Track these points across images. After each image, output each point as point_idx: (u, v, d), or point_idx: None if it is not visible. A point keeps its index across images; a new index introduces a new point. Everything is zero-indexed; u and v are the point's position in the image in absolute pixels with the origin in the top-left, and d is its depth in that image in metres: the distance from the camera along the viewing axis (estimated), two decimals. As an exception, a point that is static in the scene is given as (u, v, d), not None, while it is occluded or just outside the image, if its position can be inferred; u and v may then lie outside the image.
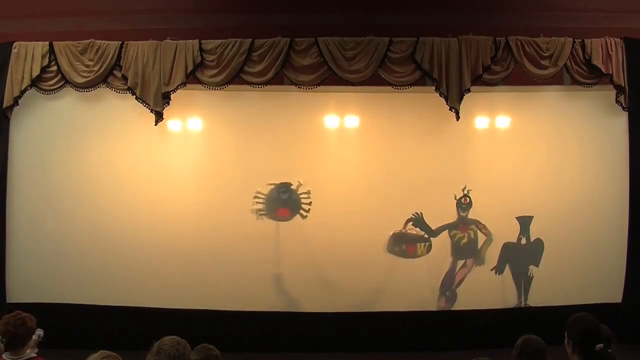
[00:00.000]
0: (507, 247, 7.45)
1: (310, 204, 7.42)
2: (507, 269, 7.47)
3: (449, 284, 7.46)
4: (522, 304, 7.43)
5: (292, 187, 7.46)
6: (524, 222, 7.43)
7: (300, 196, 7.45)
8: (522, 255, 7.46)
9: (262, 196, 7.43)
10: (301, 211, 7.43)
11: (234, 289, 7.32)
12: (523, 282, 7.45)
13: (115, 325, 7.06)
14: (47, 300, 7.17)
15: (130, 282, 7.31)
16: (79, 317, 7.15)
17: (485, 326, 7.14)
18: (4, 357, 3.93)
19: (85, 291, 7.30)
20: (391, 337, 7.30)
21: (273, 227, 7.39)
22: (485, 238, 7.47)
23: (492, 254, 7.46)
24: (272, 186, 7.45)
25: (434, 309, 7.46)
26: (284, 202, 7.45)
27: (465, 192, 7.43)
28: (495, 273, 7.45)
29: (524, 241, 7.47)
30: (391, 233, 7.43)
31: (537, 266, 7.43)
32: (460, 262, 7.49)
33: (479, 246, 7.47)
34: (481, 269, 7.47)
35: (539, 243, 7.45)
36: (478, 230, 7.47)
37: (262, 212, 7.42)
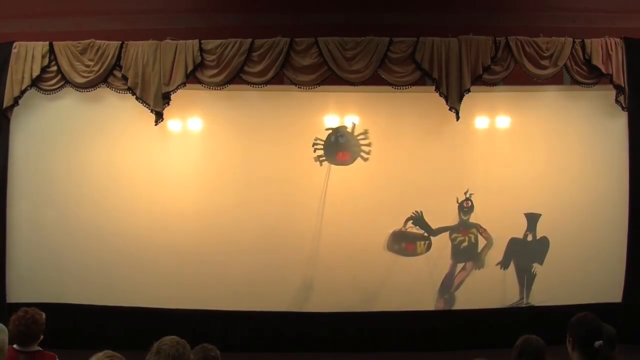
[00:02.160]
0: (513, 242, 7.45)
1: (369, 144, 7.38)
2: (511, 267, 7.47)
3: (448, 286, 7.45)
4: (524, 302, 7.43)
5: (347, 129, 7.44)
6: (532, 219, 7.42)
7: (358, 138, 7.43)
8: (527, 251, 7.46)
9: (321, 142, 7.41)
10: (362, 153, 7.41)
11: (234, 289, 7.32)
12: (526, 279, 7.44)
13: (115, 325, 7.06)
14: (47, 300, 7.13)
15: (130, 282, 7.30)
16: (79, 317, 7.16)
17: (485, 326, 7.15)
18: (14, 347, 3.98)
19: (85, 291, 7.30)
20: (391, 336, 7.30)
21: (270, 228, 7.36)
22: (485, 242, 7.46)
23: (492, 258, 7.45)
24: (330, 131, 7.43)
25: (433, 308, 7.46)
26: (342, 146, 7.42)
27: (468, 195, 7.42)
28: (501, 268, 7.45)
29: (530, 238, 7.46)
30: (391, 231, 7.43)
31: (541, 264, 7.43)
32: (460, 265, 7.48)
33: (479, 250, 7.47)
34: (481, 270, 7.46)
35: (544, 241, 7.44)
36: (479, 234, 7.47)
37: (322, 158, 7.39)
